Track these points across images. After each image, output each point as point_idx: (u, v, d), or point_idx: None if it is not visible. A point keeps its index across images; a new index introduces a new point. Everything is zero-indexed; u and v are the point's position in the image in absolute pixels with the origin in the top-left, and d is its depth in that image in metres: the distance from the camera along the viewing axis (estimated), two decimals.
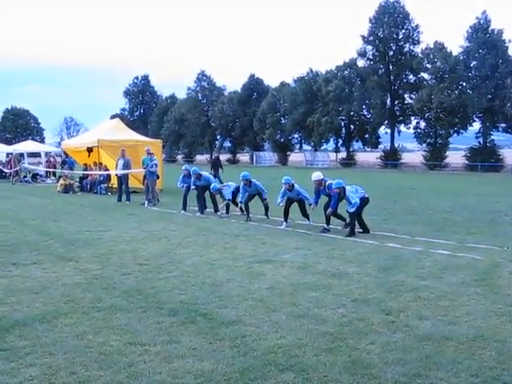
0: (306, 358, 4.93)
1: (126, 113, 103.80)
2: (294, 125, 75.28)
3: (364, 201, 12.36)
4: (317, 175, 13.20)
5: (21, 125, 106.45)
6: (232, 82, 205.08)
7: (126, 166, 19.90)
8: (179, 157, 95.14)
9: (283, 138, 79.56)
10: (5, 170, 36.52)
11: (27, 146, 43.90)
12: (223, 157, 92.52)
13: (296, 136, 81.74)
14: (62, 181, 25.48)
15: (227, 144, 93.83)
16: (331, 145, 79.96)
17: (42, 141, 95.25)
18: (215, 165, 28.21)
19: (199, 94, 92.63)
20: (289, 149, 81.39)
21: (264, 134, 78.10)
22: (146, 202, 18.29)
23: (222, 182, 24.98)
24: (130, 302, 6.69)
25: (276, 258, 9.37)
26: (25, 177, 34.06)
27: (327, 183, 12.93)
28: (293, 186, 13.54)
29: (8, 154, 41.16)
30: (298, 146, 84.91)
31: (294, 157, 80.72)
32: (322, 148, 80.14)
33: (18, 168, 33.42)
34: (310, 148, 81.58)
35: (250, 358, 4.94)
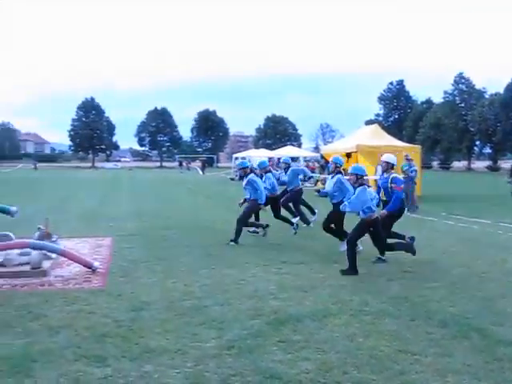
0: None
1: (381, 118, 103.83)
2: None
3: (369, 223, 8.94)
4: (387, 156, 10.36)
5: (280, 131, 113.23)
6: (493, 83, 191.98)
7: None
8: (434, 163, 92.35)
9: None
10: None
11: (287, 150, 46.60)
12: (482, 163, 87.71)
13: None
14: (320, 184, 26.44)
15: (487, 150, 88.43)
16: None
17: (299, 146, 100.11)
18: None
19: (457, 98, 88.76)
20: None
21: None
22: (406, 209, 18.01)
23: None
24: (397, 309, 6.62)
25: None
26: None
27: (393, 176, 9.99)
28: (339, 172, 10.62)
29: (269, 159, 44.35)
30: None
31: None
32: None
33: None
34: None
35: None
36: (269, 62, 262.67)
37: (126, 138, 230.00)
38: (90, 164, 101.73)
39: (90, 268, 8.63)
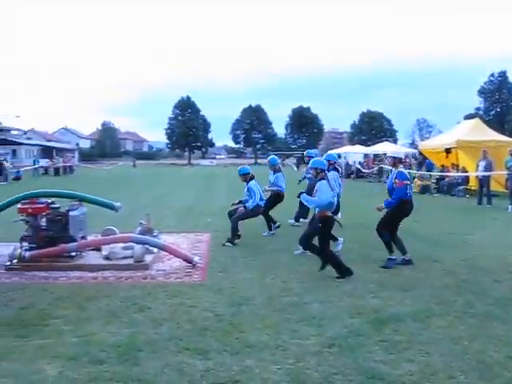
0: None
1: (481, 112, 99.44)
2: None
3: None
4: (393, 151, 9.35)
5: (375, 127, 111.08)
6: None
7: (488, 167, 19.04)
8: None
9: None
10: (363, 170, 38.83)
11: (384, 147, 45.67)
12: None
13: None
14: (418, 181, 25.75)
15: None
16: None
17: (395, 142, 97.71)
18: None
19: None
20: None
21: None
22: (510, 207, 17.20)
23: None
24: (505, 312, 6.30)
25: None
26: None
27: (398, 171, 9.01)
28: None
29: (365, 155, 43.85)
30: None
31: None
32: None
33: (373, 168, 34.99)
34: None
35: None
36: (362, 58, 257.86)
37: (221, 136, 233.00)
38: (186, 161, 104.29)
39: (190, 263, 8.84)
